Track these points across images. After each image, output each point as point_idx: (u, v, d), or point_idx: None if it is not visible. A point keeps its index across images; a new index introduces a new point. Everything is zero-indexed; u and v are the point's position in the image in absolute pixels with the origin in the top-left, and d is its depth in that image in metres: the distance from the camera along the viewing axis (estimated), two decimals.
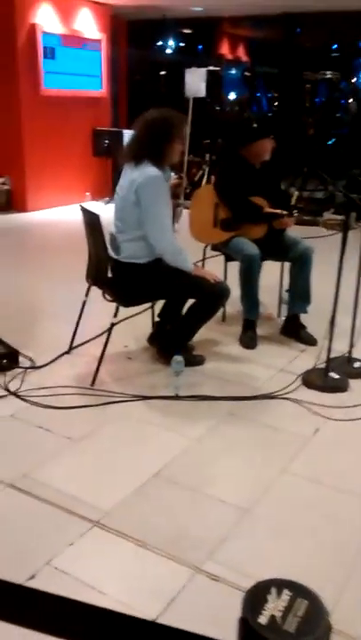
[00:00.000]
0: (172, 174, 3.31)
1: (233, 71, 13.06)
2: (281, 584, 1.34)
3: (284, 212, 3.68)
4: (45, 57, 7.40)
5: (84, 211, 3.20)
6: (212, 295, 3.27)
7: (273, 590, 1.34)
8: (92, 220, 3.12)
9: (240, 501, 2.29)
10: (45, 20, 7.42)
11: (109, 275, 3.20)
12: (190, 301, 3.35)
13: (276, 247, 3.78)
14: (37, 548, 2.02)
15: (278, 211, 3.70)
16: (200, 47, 12.73)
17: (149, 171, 2.97)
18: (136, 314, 3.85)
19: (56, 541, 2.05)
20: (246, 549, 2.06)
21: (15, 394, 3.04)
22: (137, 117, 3.13)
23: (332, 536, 2.14)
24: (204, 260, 4.17)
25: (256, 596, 1.34)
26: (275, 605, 1.31)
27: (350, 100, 11.68)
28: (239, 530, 2.14)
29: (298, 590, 1.33)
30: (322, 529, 2.17)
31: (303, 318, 3.86)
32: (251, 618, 1.32)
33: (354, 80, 12.48)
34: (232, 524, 2.17)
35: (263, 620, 1.29)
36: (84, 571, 1.93)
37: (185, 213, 3.92)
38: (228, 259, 3.96)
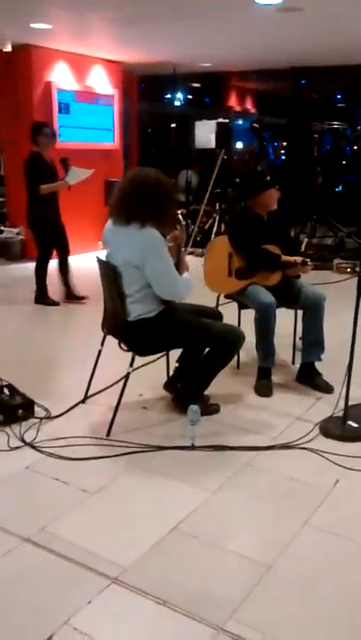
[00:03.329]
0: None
1: (240, 122, 13.41)
2: None
3: (303, 259, 3.70)
4: (60, 112, 7.65)
5: (100, 262, 3.23)
6: (227, 342, 3.27)
7: None
8: (107, 272, 3.15)
9: (262, 557, 2.23)
10: (60, 77, 7.69)
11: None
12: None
13: (289, 295, 3.79)
14: (55, 606, 1.98)
15: (296, 258, 3.73)
16: (208, 100, 13.13)
17: (151, 233, 2.96)
18: (150, 362, 3.85)
19: (74, 599, 2.00)
20: (270, 609, 1.99)
21: (31, 445, 3.02)
22: (129, 175, 3.09)
23: (358, 595, 2.07)
24: (217, 307, 4.17)
25: None
26: None
27: (355, 147, 11.92)
28: (262, 588, 2.08)
29: None
30: (347, 587, 2.11)
31: (318, 365, 3.84)
32: None
33: (359, 128, 12.77)
34: (254, 581, 2.11)
35: None
36: (104, 631, 1.88)
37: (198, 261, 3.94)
38: (242, 306, 3.98)
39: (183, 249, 3.30)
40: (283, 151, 13.23)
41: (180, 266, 3.20)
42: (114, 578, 2.11)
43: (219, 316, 3.51)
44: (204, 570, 2.17)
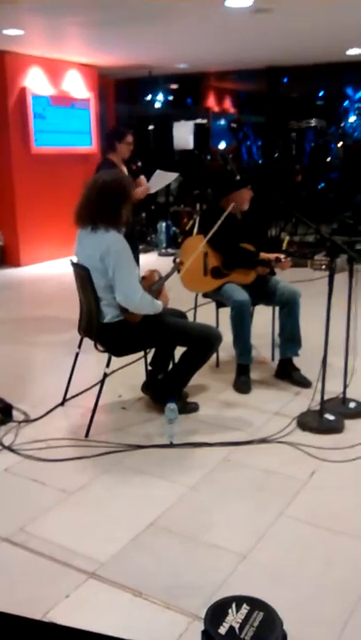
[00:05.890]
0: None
1: (223, 122, 13.46)
2: (240, 599, 1.53)
3: (279, 256, 3.75)
4: (35, 117, 7.67)
5: (74, 265, 3.26)
6: (203, 342, 3.31)
7: (233, 605, 1.53)
8: (81, 274, 3.18)
9: (236, 547, 2.28)
10: (35, 82, 7.71)
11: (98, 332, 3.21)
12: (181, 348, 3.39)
13: (265, 292, 3.84)
14: (34, 601, 2.01)
15: (270, 256, 3.78)
16: (188, 101, 13.17)
17: (110, 236, 3.00)
18: (129, 363, 3.89)
19: (52, 594, 2.03)
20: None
21: (9, 448, 3.04)
22: (88, 181, 3.17)
23: (329, 580, 2.12)
24: (196, 307, 4.23)
25: (218, 611, 1.53)
26: (234, 618, 1.53)
27: (339, 145, 11.99)
28: (236, 576, 2.13)
29: (255, 604, 1.55)
30: (320, 573, 2.16)
31: (297, 360, 3.89)
32: (212, 629, 1.50)
33: (342, 125, 12.83)
34: (229, 570, 2.15)
35: (223, 630, 1.51)
36: (81, 623, 1.91)
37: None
38: (220, 305, 4.02)
39: (164, 280, 3.31)
40: (261, 150, 13.27)
41: (157, 295, 3.22)
42: (91, 573, 2.14)
43: (184, 317, 3.55)
44: (179, 562, 2.21)
